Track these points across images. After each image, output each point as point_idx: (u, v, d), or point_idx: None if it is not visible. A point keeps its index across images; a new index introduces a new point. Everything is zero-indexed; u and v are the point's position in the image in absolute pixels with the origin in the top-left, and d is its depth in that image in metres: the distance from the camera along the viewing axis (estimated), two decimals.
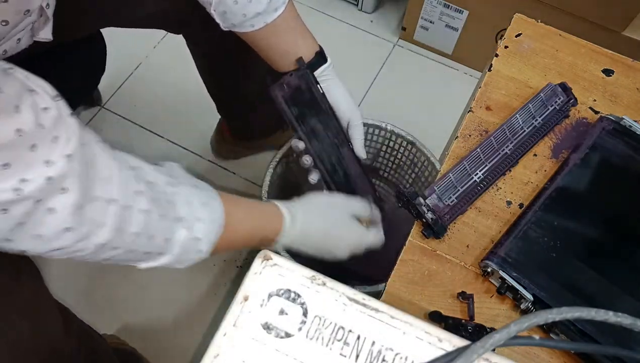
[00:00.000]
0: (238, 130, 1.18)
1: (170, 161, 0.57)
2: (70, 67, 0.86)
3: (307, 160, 0.74)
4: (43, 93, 0.41)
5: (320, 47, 0.74)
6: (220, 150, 1.25)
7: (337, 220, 0.68)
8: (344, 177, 0.76)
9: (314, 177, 0.76)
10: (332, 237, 0.67)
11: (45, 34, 0.57)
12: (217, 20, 0.70)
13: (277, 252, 0.43)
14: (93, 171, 0.44)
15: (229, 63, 0.88)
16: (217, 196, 0.56)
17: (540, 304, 0.49)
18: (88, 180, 0.43)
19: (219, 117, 1.19)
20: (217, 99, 1.08)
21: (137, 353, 0.99)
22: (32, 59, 0.58)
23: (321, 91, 0.73)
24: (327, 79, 0.74)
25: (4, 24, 0.45)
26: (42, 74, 0.77)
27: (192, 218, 0.52)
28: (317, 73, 0.72)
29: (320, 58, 0.73)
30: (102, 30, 0.93)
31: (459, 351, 0.33)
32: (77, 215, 0.42)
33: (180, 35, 0.91)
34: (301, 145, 0.73)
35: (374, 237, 0.71)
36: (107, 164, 0.45)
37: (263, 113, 1.05)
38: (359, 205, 0.70)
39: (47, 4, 0.52)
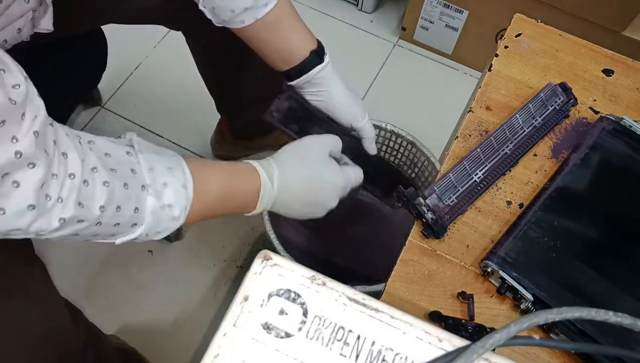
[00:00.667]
0: (238, 130, 1.18)
1: (129, 132, 0.56)
2: (71, 64, 0.86)
3: None
4: (14, 70, 0.41)
5: (319, 44, 0.71)
6: (220, 150, 1.25)
7: (316, 163, 0.64)
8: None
9: None
10: (316, 182, 0.64)
11: (46, 24, 0.57)
12: (209, 16, 0.70)
13: (276, 253, 0.43)
14: (56, 148, 0.44)
15: (228, 60, 0.88)
16: (182, 160, 0.55)
17: (540, 304, 0.49)
18: (51, 157, 0.43)
19: (219, 116, 1.19)
20: (216, 96, 1.08)
21: (138, 353, 0.99)
22: (33, 55, 0.58)
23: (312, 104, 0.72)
24: (322, 82, 0.71)
25: None
26: (44, 71, 0.77)
27: (158, 184, 0.51)
28: (311, 74, 0.70)
29: (315, 57, 0.70)
30: (103, 29, 0.93)
31: (459, 351, 0.33)
32: (40, 191, 0.42)
33: (180, 36, 0.91)
34: None
35: (356, 173, 0.68)
36: (65, 141, 0.45)
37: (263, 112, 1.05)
38: (332, 141, 0.67)
39: None
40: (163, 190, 0.51)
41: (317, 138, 0.66)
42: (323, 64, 0.70)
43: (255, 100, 1.01)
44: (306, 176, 0.63)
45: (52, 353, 0.61)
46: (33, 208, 0.42)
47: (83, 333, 0.69)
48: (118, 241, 0.52)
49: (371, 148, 0.74)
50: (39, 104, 0.43)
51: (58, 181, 0.43)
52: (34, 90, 0.43)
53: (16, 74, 0.41)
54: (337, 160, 0.67)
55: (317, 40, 0.72)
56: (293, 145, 0.65)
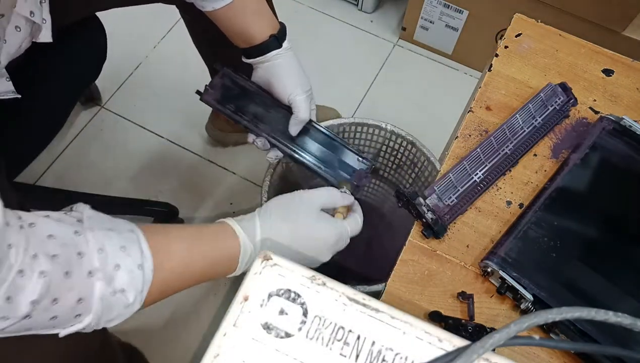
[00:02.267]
0: None
1: (80, 204, 0.50)
2: (70, 55, 0.86)
3: (258, 142, 0.74)
4: None
5: (282, 30, 0.75)
6: (213, 130, 1.25)
7: (304, 219, 0.59)
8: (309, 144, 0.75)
9: (271, 156, 0.76)
10: (304, 242, 0.59)
11: (45, 37, 0.57)
12: None
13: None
14: (8, 250, 0.40)
15: (219, 30, 0.88)
16: (140, 234, 0.49)
17: (540, 304, 0.49)
18: (1, 263, 0.39)
19: None
20: (210, 66, 1.08)
21: (140, 351, 0.99)
22: (32, 50, 0.58)
23: (245, 78, 0.76)
24: (274, 61, 0.74)
25: None
26: (43, 65, 0.77)
27: (109, 267, 0.46)
28: (268, 56, 0.73)
29: (273, 41, 0.73)
30: (104, 27, 0.93)
31: (459, 351, 0.33)
32: None
33: (180, 36, 0.91)
34: (251, 137, 0.75)
35: (352, 224, 0.64)
36: (13, 232, 0.41)
37: None
38: (325, 195, 0.62)
39: (32, 12, 0.53)
40: (115, 273, 0.46)
41: (308, 192, 0.62)
42: (281, 49, 0.74)
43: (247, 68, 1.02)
44: (293, 235, 0.59)
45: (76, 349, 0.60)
46: None
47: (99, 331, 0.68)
48: (62, 333, 0.46)
49: (294, 129, 0.73)
50: None
51: (1, 277, 0.39)
52: None
53: None
54: (332, 212, 0.64)
55: (282, 25, 0.76)
56: (279, 198, 0.61)
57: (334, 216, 0.64)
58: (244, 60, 0.77)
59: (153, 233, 0.51)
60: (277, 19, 0.77)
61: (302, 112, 0.73)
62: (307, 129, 0.76)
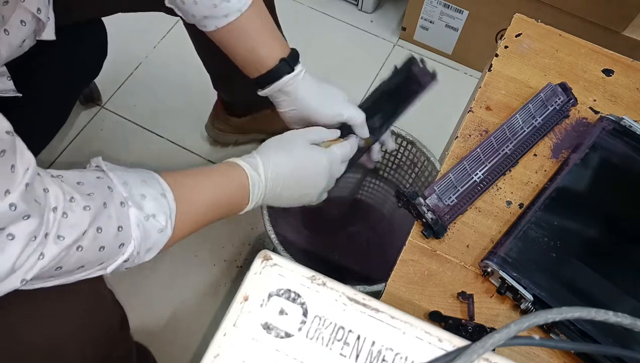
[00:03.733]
0: (231, 105, 1.18)
1: (95, 158, 0.55)
2: (71, 52, 0.86)
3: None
4: (3, 122, 0.41)
5: (293, 53, 0.70)
6: (213, 131, 1.24)
7: (297, 148, 0.65)
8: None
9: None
10: (300, 165, 0.64)
11: (48, 35, 0.57)
12: (179, 14, 0.72)
13: (276, 253, 0.43)
14: (45, 195, 0.44)
15: None
16: (154, 173, 0.55)
17: (540, 304, 0.49)
18: (43, 206, 0.43)
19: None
20: (212, 73, 1.08)
21: (148, 349, 0.99)
22: (34, 46, 0.58)
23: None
24: (293, 90, 0.69)
25: None
26: (45, 61, 0.76)
27: (135, 196, 0.50)
28: (280, 83, 0.68)
29: (284, 66, 0.68)
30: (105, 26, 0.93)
31: (459, 351, 0.33)
32: (32, 239, 0.42)
33: (180, 36, 0.91)
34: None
35: (340, 149, 0.68)
36: (46, 179, 0.46)
37: (253, 87, 1.04)
38: (313, 130, 0.68)
39: (39, 9, 0.53)
40: (142, 202, 0.50)
41: (297, 130, 0.68)
42: (293, 73, 0.68)
43: (249, 79, 1.01)
44: (289, 160, 0.64)
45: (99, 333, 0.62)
46: (21, 252, 0.42)
47: (119, 312, 0.68)
48: (109, 269, 0.50)
49: (363, 132, 0.72)
50: (29, 156, 0.43)
51: (44, 220, 0.43)
52: (22, 144, 0.43)
53: (4, 124, 0.40)
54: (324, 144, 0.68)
55: (293, 49, 0.70)
56: (273, 138, 0.66)
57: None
58: (261, 93, 0.72)
59: (166, 173, 0.55)
60: (287, 44, 0.72)
61: (357, 118, 0.71)
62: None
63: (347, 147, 0.70)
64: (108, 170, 0.51)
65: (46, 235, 0.43)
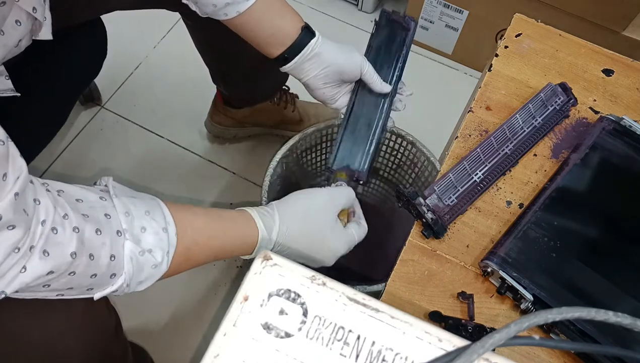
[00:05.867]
0: (230, 97, 1.18)
1: (104, 177, 0.53)
2: (70, 52, 0.86)
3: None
4: None
5: (306, 23, 0.71)
6: (212, 124, 1.24)
7: (321, 224, 0.62)
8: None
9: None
10: (316, 245, 0.62)
11: (45, 35, 0.56)
12: (193, 8, 0.70)
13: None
14: (35, 206, 0.43)
15: (223, 37, 0.87)
16: (161, 203, 0.53)
17: (540, 304, 0.49)
18: (31, 217, 0.42)
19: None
20: (212, 69, 1.08)
21: (145, 349, 0.99)
22: (32, 47, 0.58)
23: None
24: (318, 52, 0.70)
25: None
26: (43, 62, 0.76)
27: (135, 228, 0.49)
28: (308, 49, 0.70)
29: (307, 33, 0.70)
30: (105, 26, 0.93)
31: (459, 351, 0.33)
32: (15, 250, 0.41)
33: (180, 36, 0.91)
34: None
35: (359, 233, 0.67)
36: (40, 190, 0.44)
37: (253, 80, 1.04)
38: (344, 199, 0.65)
39: (34, 9, 0.52)
40: (142, 235, 0.49)
41: (328, 193, 0.64)
42: (316, 37, 0.70)
43: (250, 72, 1.01)
44: (307, 237, 0.61)
45: (95, 332, 0.62)
46: (1, 263, 0.41)
47: (114, 317, 0.69)
48: (96, 295, 0.49)
49: (383, 88, 0.74)
50: (21, 164, 0.42)
51: (30, 232, 0.42)
52: (15, 151, 0.42)
53: None
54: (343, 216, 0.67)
55: (304, 21, 0.72)
56: (300, 195, 0.63)
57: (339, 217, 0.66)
58: (286, 67, 0.72)
59: (174, 206, 0.53)
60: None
61: (373, 75, 0.72)
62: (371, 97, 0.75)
63: (365, 230, 0.68)
64: (113, 195, 0.50)
65: (31, 248, 0.42)
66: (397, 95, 0.77)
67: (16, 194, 0.40)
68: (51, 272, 0.43)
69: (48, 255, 0.43)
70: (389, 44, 0.77)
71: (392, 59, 0.77)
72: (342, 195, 0.65)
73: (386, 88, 0.74)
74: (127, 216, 0.49)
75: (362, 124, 0.74)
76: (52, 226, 0.43)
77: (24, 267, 0.42)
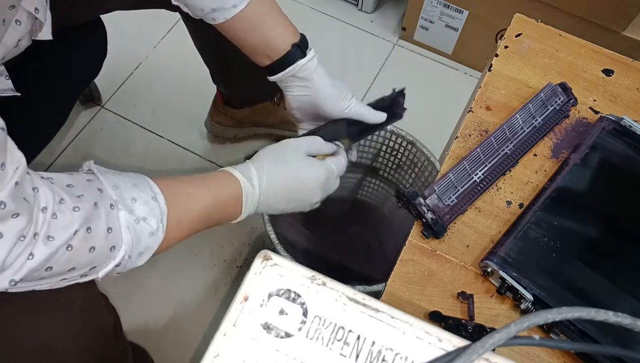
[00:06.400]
0: (228, 97, 1.18)
1: (86, 162, 0.55)
2: (70, 52, 0.86)
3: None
4: None
5: (303, 38, 0.70)
6: (212, 124, 1.24)
7: (292, 160, 0.64)
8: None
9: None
10: (295, 177, 0.64)
11: (45, 35, 0.56)
12: (185, 10, 0.71)
13: (276, 253, 0.43)
14: (34, 194, 0.44)
15: (224, 37, 0.88)
16: (146, 177, 0.54)
17: (540, 304, 0.49)
18: (32, 204, 0.43)
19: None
20: (212, 68, 1.08)
21: (145, 349, 0.99)
22: (32, 47, 0.58)
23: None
24: (307, 76, 0.69)
25: None
26: (43, 62, 0.76)
27: (126, 199, 0.50)
28: (294, 68, 0.68)
29: (297, 51, 0.68)
30: (105, 26, 0.93)
31: (459, 351, 0.33)
32: (21, 238, 0.42)
33: (180, 36, 0.91)
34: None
35: (337, 164, 0.68)
36: (36, 179, 0.45)
37: (253, 80, 1.04)
38: (309, 141, 0.67)
39: (36, 9, 0.52)
40: (133, 205, 0.50)
41: (293, 140, 0.67)
42: (306, 58, 0.69)
43: (250, 73, 1.01)
44: (284, 173, 0.63)
45: (92, 330, 0.62)
46: (10, 251, 0.42)
47: (113, 317, 0.69)
48: (101, 273, 0.50)
49: (377, 118, 0.72)
50: (20, 156, 0.43)
51: (33, 219, 0.43)
52: (12, 143, 0.43)
53: None
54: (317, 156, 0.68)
55: (302, 34, 0.71)
56: (268, 147, 0.66)
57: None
58: (271, 79, 0.71)
59: (159, 178, 0.55)
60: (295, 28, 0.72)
61: (365, 113, 0.71)
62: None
63: (343, 162, 0.69)
64: (99, 173, 0.51)
65: (35, 235, 0.43)
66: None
67: (16, 183, 0.41)
68: (54, 253, 0.45)
69: (53, 239, 0.44)
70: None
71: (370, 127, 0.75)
72: (306, 138, 0.68)
73: (379, 117, 0.72)
74: (116, 189, 0.50)
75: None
76: (52, 212, 0.44)
77: (31, 254, 0.43)
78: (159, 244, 0.52)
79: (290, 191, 0.64)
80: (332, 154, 0.70)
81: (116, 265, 0.50)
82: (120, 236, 0.49)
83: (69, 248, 0.46)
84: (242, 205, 0.61)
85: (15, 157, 0.42)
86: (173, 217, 0.53)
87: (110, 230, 0.48)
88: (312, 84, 0.70)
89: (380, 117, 0.72)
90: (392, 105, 0.74)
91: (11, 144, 0.43)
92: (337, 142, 0.71)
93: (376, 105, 0.74)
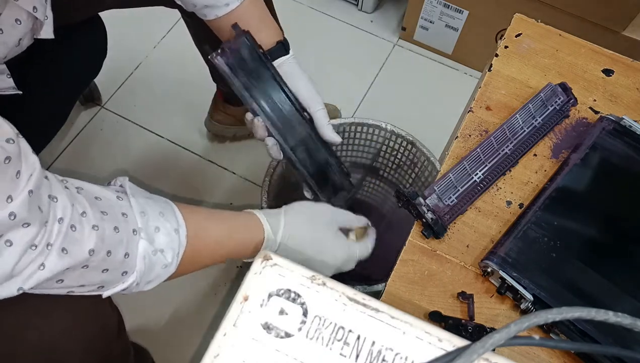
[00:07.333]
0: (229, 95, 1.18)
1: (120, 177, 0.54)
2: (70, 52, 0.86)
3: (257, 123, 0.67)
4: (4, 126, 0.40)
5: (285, 40, 0.72)
6: (211, 123, 1.24)
7: (324, 231, 0.64)
8: (307, 153, 0.72)
9: (273, 152, 0.70)
10: (319, 250, 0.63)
11: (46, 34, 0.57)
12: (178, 2, 0.72)
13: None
14: (50, 201, 0.43)
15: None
16: (173, 205, 0.54)
17: (540, 304, 0.49)
18: (46, 213, 0.43)
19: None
20: (211, 65, 1.08)
21: (145, 349, 0.99)
22: (34, 44, 0.58)
23: (266, 57, 0.68)
24: (285, 68, 0.71)
25: None
26: (43, 61, 0.76)
27: (150, 228, 0.50)
28: (276, 63, 0.70)
29: (280, 48, 0.71)
30: (104, 26, 0.93)
31: (459, 351, 0.33)
32: (32, 247, 0.42)
33: (180, 36, 0.91)
34: (250, 116, 0.68)
35: (362, 249, 0.68)
36: (56, 186, 0.45)
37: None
38: (346, 217, 0.68)
39: (35, 8, 0.52)
40: (155, 235, 0.50)
41: (331, 207, 0.67)
42: (288, 55, 0.71)
43: None
44: (311, 241, 0.63)
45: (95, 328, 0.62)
46: (19, 259, 0.41)
47: (116, 316, 0.69)
48: (106, 293, 0.50)
49: (333, 135, 0.71)
50: (34, 160, 0.42)
51: (47, 230, 0.43)
52: (27, 147, 0.42)
53: (7, 129, 0.40)
54: (347, 231, 0.68)
55: (284, 37, 0.73)
56: (305, 204, 0.65)
57: (348, 235, 0.68)
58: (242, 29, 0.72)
59: (185, 208, 0.55)
60: (282, 31, 0.74)
61: (326, 128, 0.71)
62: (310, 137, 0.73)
63: (369, 249, 0.69)
64: (130, 195, 0.51)
65: (48, 245, 0.43)
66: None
67: (30, 191, 0.41)
68: (68, 269, 0.44)
69: (67, 252, 0.44)
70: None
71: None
72: (342, 211, 0.68)
73: (336, 138, 0.72)
74: (143, 216, 0.50)
75: (301, 152, 0.72)
76: (70, 224, 0.44)
77: (42, 265, 0.43)
78: (169, 276, 0.53)
79: (307, 257, 0.63)
80: (364, 227, 0.71)
81: (123, 289, 0.50)
82: (134, 263, 0.49)
83: (85, 267, 0.46)
84: (259, 251, 0.61)
85: (30, 161, 0.42)
86: (189, 251, 0.54)
87: (127, 256, 0.48)
88: (290, 78, 0.70)
89: (335, 138, 0.71)
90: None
91: (26, 148, 0.42)
92: (369, 222, 0.71)
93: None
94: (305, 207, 0.65)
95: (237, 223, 0.60)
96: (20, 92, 0.56)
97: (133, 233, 0.49)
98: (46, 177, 0.44)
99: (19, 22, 0.53)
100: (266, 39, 0.70)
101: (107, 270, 0.48)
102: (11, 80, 0.56)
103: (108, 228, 0.47)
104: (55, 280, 0.45)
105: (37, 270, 0.43)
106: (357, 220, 0.69)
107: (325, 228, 0.64)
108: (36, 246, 0.42)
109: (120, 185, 0.53)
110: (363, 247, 0.68)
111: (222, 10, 0.69)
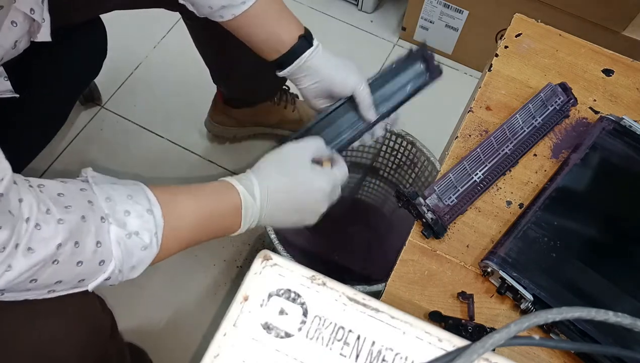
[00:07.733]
0: (229, 97, 1.18)
1: (84, 169, 0.53)
2: (70, 52, 0.86)
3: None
4: None
5: (306, 30, 0.70)
6: (212, 124, 1.24)
7: (296, 169, 0.61)
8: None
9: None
10: (299, 189, 0.61)
11: (43, 37, 0.56)
12: (190, 9, 0.70)
13: (276, 253, 0.43)
14: (20, 205, 0.43)
15: (223, 37, 0.88)
16: (144, 186, 0.52)
17: (540, 304, 0.49)
18: (16, 217, 0.42)
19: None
20: (212, 68, 1.08)
21: (144, 350, 0.99)
22: (31, 48, 0.58)
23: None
24: (313, 61, 0.69)
25: None
26: (43, 62, 0.75)
27: (118, 212, 0.48)
28: (303, 58, 0.68)
29: (304, 42, 0.69)
30: (104, 26, 0.93)
31: (459, 351, 0.33)
32: (1, 249, 0.41)
33: (180, 36, 0.91)
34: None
35: (340, 172, 0.65)
36: (22, 188, 0.44)
37: (253, 80, 1.04)
38: (313, 146, 0.64)
39: (32, 10, 0.52)
40: (126, 219, 0.49)
41: (295, 144, 0.64)
42: (313, 47, 0.69)
43: (250, 72, 1.01)
44: (288, 185, 0.60)
45: (87, 331, 0.61)
46: None
47: (109, 319, 0.68)
48: (90, 286, 0.49)
49: (369, 114, 0.71)
50: (5, 166, 0.42)
51: (16, 230, 0.42)
52: (0, 153, 0.42)
53: None
54: (320, 162, 0.65)
55: (305, 27, 0.71)
56: (270, 154, 0.63)
57: (322, 164, 0.65)
58: (280, 74, 0.71)
59: (157, 188, 0.53)
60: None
61: (367, 99, 0.69)
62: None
63: (345, 170, 0.67)
64: (93, 183, 0.50)
65: (16, 246, 0.42)
66: (384, 122, 0.75)
67: (0, 195, 0.40)
68: (37, 266, 0.44)
69: (32, 251, 0.43)
70: (405, 82, 0.73)
71: (398, 95, 0.74)
72: (310, 142, 0.65)
73: (371, 115, 0.71)
74: (109, 201, 0.49)
75: (331, 131, 0.71)
76: (35, 222, 0.43)
77: (9, 266, 0.42)
78: (152, 258, 0.51)
79: (296, 203, 0.61)
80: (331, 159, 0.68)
81: (106, 279, 0.49)
82: (110, 250, 0.48)
83: (55, 262, 0.45)
84: (242, 218, 0.59)
85: (1, 166, 0.41)
86: (169, 230, 0.52)
87: (99, 244, 0.47)
88: (319, 71, 0.69)
89: (371, 115, 0.70)
90: (421, 66, 0.72)
91: None
92: (334, 149, 0.69)
93: (398, 70, 0.72)
94: (269, 156, 0.62)
95: (211, 192, 0.57)
96: (18, 95, 0.56)
97: (101, 221, 0.47)
98: (15, 182, 0.43)
99: (14, 25, 0.52)
100: (287, 35, 0.68)
101: (82, 262, 0.47)
102: (8, 82, 0.55)
103: (74, 220, 0.45)
104: (27, 280, 0.44)
105: (5, 272, 0.42)
106: (324, 149, 0.66)
107: (298, 166, 0.62)
108: (5, 248, 0.41)
109: (85, 177, 0.52)
110: (340, 170, 0.66)
111: (239, 8, 0.67)
